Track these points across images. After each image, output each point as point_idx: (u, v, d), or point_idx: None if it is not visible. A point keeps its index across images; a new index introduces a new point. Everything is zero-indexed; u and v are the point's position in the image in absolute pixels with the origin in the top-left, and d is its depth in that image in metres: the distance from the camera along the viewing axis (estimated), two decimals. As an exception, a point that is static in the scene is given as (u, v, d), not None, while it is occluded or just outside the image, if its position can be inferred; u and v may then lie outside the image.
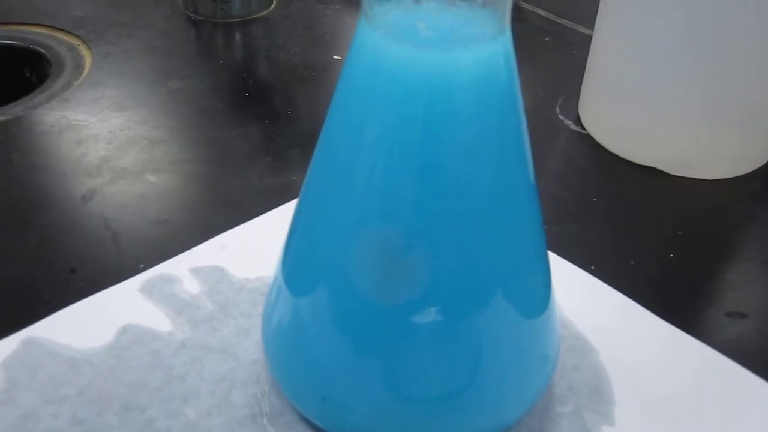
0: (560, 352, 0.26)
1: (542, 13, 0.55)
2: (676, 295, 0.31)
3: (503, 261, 0.22)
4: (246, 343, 0.28)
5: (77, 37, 0.50)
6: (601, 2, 0.39)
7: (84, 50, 0.48)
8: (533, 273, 0.23)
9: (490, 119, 0.20)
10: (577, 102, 0.43)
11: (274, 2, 0.53)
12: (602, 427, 0.26)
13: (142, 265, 0.31)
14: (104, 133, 0.40)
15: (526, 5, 0.56)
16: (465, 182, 0.21)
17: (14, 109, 0.42)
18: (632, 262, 0.33)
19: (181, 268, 0.31)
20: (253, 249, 0.32)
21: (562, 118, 0.43)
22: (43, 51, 0.48)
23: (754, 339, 0.30)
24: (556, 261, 0.32)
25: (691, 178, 0.38)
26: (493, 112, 0.20)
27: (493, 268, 0.22)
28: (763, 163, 0.40)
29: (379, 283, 0.22)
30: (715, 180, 0.38)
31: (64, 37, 0.50)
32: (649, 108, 0.38)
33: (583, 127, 0.42)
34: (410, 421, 0.23)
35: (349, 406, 0.23)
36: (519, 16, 0.54)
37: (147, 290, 0.30)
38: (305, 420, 0.25)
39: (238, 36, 0.51)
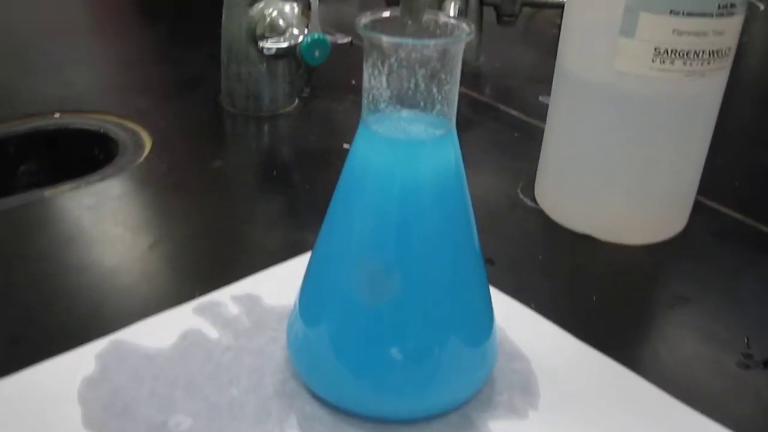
0: (499, 358, 0.37)
1: (515, 113, 0.67)
2: (595, 326, 0.42)
3: (453, 284, 0.33)
4: (274, 347, 0.38)
5: (138, 123, 0.62)
6: (549, 106, 0.51)
7: (144, 135, 0.60)
8: (474, 296, 0.34)
9: (444, 187, 0.32)
10: (534, 184, 0.54)
11: (297, 100, 0.66)
12: (528, 411, 0.36)
13: (197, 293, 0.42)
14: (163, 200, 0.52)
15: (501, 107, 0.68)
16: (427, 230, 0.32)
17: (91, 179, 0.54)
18: (563, 302, 0.44)
19: (226, 296, 0.42)
20: (279, 285, 0.43)
21: (522, 197, 0.54)
22: (112, 135, 0.60)
23: (652, 360, 0.40)
24: (505, 299, 0.43)
25: (618, 243, 0.49)
26: (447, 183, 0.32)
27: (446, 289, 0.33)
28: (677, 232, 0.51)
29: (367, 295, 0.32)
30: (637, 245, 0.49)
31: (128, 123, 0.62)
32: (585, 187, 0.49)
33: (537, 204, 0.53)
34: (388, 393, 0.33)
35: (342, 381, 0.34)
36: (494, 116, 0.67)
37: (200, 311, 0.41)
38: (315, 396, 0.35)
39: (266, 127, 0.63)
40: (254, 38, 0.60)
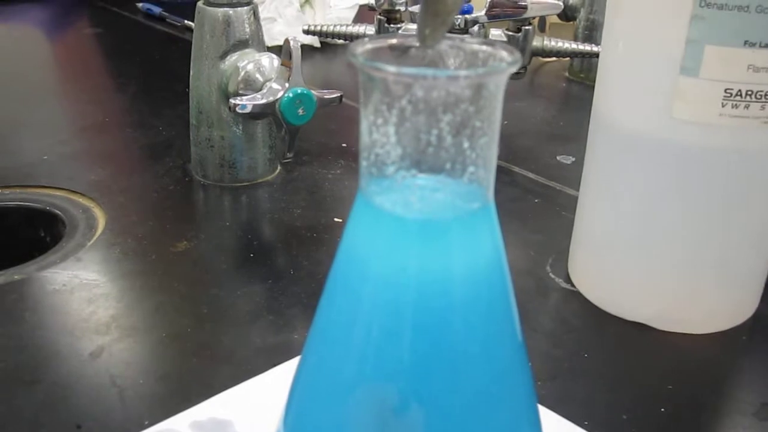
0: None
1: (532, 176, 0.58)
2: (669, 451, 0.32)
3: (496, 423, 0.23)
4: (246, 501, 0.28)
5: (91, 199, 0.52)
6: (585, 166, 0.42)
7: (98, 212, 0.51)
8: (522, 428, 0.24)
9: (479, 285, 0.22)
10: (567, 261, 0.45)
11: (279, 167, 0.57)
12: None
13: (146, 422, 0.32)
14: (114, 292, 0.42)
15: (516, 169, 0.59)
16: (456, 345, 0.22)
17: (28, 269, 0.44)
18: (625, 417, 0.34)
19: (184, 424, 0.32)
20: (256, 407, 0.33)
21: (552, 276, 0.44)
22: (59, 212, 0.51)
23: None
24: (550, 417, 0.33)
25: (679, 333, 0.40)
26: (480, 279, 0.22)
27: (485, 422, 0.23)
28: (748, 317, 0.41)
29: (374, 435, 0.23)
30: (702, 335, 0.40)
31: (79, 199, 0.53)
32: (633, 266, 0.40)
33: (573, 285, 0.43)
34: None
35: None
36: (509, 180, 0.58)
37: (150, 447, 0.31)
38: None
39: (244, 199, 0.54)
40: (227, 96, 0.51)
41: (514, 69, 0.20)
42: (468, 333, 0.22)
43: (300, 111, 0.48)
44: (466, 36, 0.22)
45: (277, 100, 0.47)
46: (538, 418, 0.25)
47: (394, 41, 0.22)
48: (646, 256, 0.39)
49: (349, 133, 0.61)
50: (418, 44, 0.21)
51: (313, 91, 0.49)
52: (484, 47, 0.22)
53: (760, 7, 0.32)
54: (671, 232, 0.38)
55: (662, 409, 0.34)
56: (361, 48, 0.21)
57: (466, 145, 0.20)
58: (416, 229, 0.21)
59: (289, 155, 0.52)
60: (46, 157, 0.59)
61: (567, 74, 0.86)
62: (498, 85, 0.20)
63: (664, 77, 0.35)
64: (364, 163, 0.21)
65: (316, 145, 0.60)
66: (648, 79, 0.36)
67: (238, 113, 0.48)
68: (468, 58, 0.22)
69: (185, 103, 0.55)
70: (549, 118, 0.73)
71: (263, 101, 0.47)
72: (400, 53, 0.22)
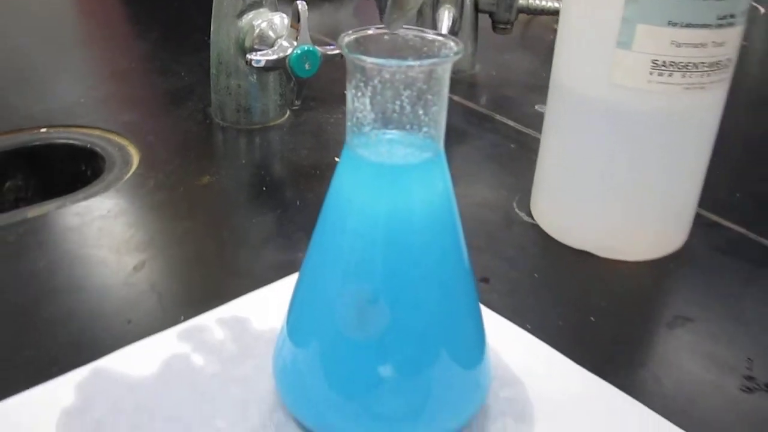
0: (493, 383, 0.35)
1: (511, 123, 0.66)
2: (593, 348, 0.40)
3: (442, 311, 0.32)
4: (261, 375, 0.37)
5: (125, 138, 0.60)
6: (545, 120, 0.50)
7: (132, 149, 0.59)
8: (464, 322, 0.33)
9: (432, 213, 0.30)
10: (530, 198, 0.53)
11: (288, 113, 0.65)
12: (523, 440, 0.34)
13: (182, 317, 0.40)
14: (150, 218, 0.50)
15: (497, 117, 0.67)
16: (414, 257, 0.30)
17: (77, 197, 0.52)
18: (560, 323, 0.42)
19: (212, 320, 0.40)
20: (267, 307, 0.41)
21: (518, 211, 0.53)
22: (98, 150, 0.59)
23: (653, 384, 0.39)
24: (500, 321, 0.41)
25: (617, 260, 0.48)
26: (433, 208, 0.30)
27: (435, 316, 0.32)
28: (677, 248, 0.49)
29: (354, 325, 0.31)
30: (636, 261, 0.48)
31: (115, 138, 0.61)
32: (581, 204, 0.48)
33: (533, 219, 0.51)
34: (377, 425, 0.32)
35: (331, 413, 0.32)
36: (492, 127, 0.65)
37: (185, 336, 0.39)
38: (303, 427, 0.34)
39: (257, 140, 0.62)
40: (243, 50, 0.59)
41: (457, 58, 0.28)
42: (423, 248, 0.30)
43: (306, 65, 0.55)
44: (426, 29, 0.30)
45: (286, 56, 0.55)
46: (479, 312, 0.34)
47: (371, 32, 0.29)
48: (592, 196, 0.47)
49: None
50: (387, 32, 0.29)
51: (318, 48, 0.56)
52: (439, 38, 0.29)
53: (681, -7, 0.40)
54: (612, 176, 0.46)
55: (591, 318, 0.43)
56: (347, 39, 0.28)
57: (421, 112, 0.28)
58: (386, 172, 0.29)
59: (297, 103, 0.59)
60: (82, 101, 0.67)
61: (556, 27, 0.92)
62: (445, 69, 0.28)
63: (605, 50, 0.42)
64: (348, 123, 0.29)
65: (321, 93, 0.68)
66: (592, 51, 0.43)
67: (253, 66, 0.56)
68: (427, 45, 0.30)
69: (204, 51, 0.62)
70: (533, 70, 0.80)
71: (274, 57, 0.55)
72: (378, 41, 0.29)
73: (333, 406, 0.32)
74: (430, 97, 0.28)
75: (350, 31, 0.29)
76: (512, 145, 0.62)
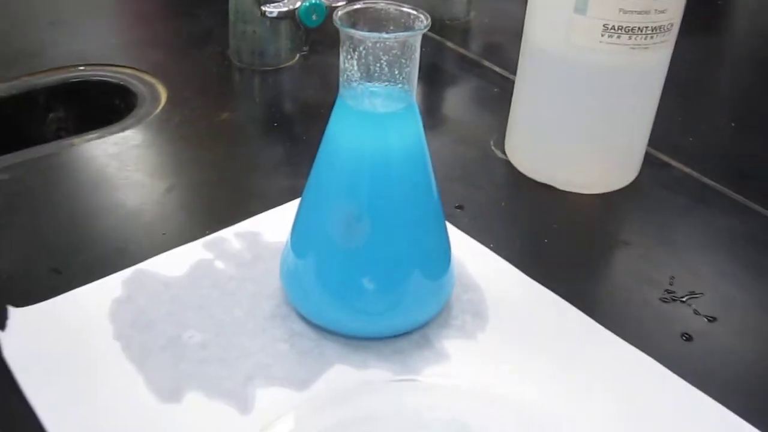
0: (456, 288, 0.44)
1: (498, 69, 0.73)
2: (543, 264, 0.49)
3: (414, 228, 0.40)
4: (270, 277, 0.46)
5: (154, 77, 0.69)
6: (517, 71, 0.58)
7: (160, 87, 0.67)
8: (431, 237, 0.42)
9: (407, 151, 0.39)
10: (504, 138, 0.61)
11: (297, 56, 0.72)
12: (477, 333, 0.43)
13: (207, 231, 0.49)
14: (177, 148, 0.59)
15: (485, 63, 0.74)
16: (392, 184, 0.39)
17: (114, 128, 0.61)
18: (518, 243, 0.51)
19: (230, 234, 0.49)
20: (276, 224, 0.50)
21: (494, 149, 0.61)
22: (131, 87, 0.67)
23: (590, 295, 0.47)
24: (468, 240, 0.50)
25: (576, 192, 0.56)
26: (407, 146, 0.39)
27: (408, 232, 0.40)
28: (628, 182, 0.58)
29: (343, 238, 0.40)
30: (591, 194, 0.56)
31: (145, 76, 0.69)
32: (547, 142, 0.56)
33: (506, 156, 0.60)
34: (360, 316, 0.41)
35: (324, 306, 0.41)
36: (479, 72, 0.73)
37: (209, 246, 0.48)
38: (302, 317, 0.43)
39: (270, 80, 0.70)
40: (258, 1, 0.66)
41: (425, 31, 0.36)
42: (398, 178, 0.39)
43: (314, 16, 0.63)
44: (403, 4, 0.38)
45: (296, 8, 0.63)
46: (445, 230, 0.43)
47: (359, 6, 0.37)
48: (554, 137, 0.55)
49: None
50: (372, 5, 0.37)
51: (324, 1, 0.64)
52: (413, 12, 0.37)
53: (627, -31, 0.47)
54: (572, 121, 0.54)
55: (545, 240, 0.52)
56: (340, 13, 0.36)
57: (396, 72, 0.37)
58: (369, 118, 0.38)
59: (305, 48, 0.67)
60: (113, 41, 0.75)
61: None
62: (415, 39, 0.36)
63: (565, 14, 0.50)
64: (341, 79, 0.38)
65: (327, 40, 0.75)
66: (555, 15, 0.51)
67: (267, 16, 0.63)
68: (404, 17, 0.37)
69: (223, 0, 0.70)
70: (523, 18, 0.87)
71: (285, 9, 0.63)
72: (366, 14, 0.37)
73: (326, 302, 0.41)
74: (404, 60, 0.36)
75: (343, 5, 0.37)
76: (496, 90, 0.70)
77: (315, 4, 0.63)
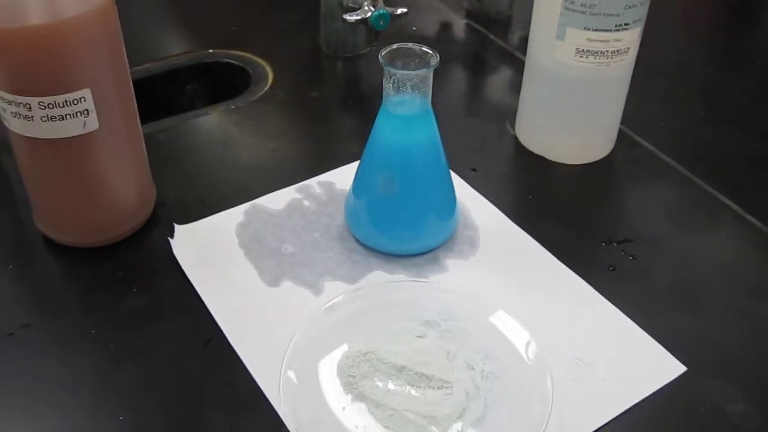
0: (459, 226, 0.67)
1: (518, 55, 0.94)
2: (525, 213, 0.71)
3: (429, 186, 0.64)
4: (338, 213, 0.70)
5: (264, 59, 0.92)
6: (524, 72, 0.79)
7: (268, 69, 0.91)
8: (441, 192, 0.65)
9: (427, 141, 0.62)
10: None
11: (369, 48, 0.95)
12: (470, 256, 0.66)
13: (298, 180, 0.73)
14: (281, 117, 0.83)
15: (518, 54, 0.95)
16: (417, 161, 0.62)
17: (235, 102, 0.85)
18: (510, 198, 0.73)
19: (314, 182, 0.73)
20: (345, 177, 0.73)
21: (508, 127, 0.82)
22: (248, 68, 0.91)
23: (553, 237, 0.69)
24: (475, 194, 0.73)
25: (563, 163, 0.78)
26: (427, 138, 0.62)
27: (425, 188, 0.63)
28: (605, 155, 0.78)
29: (381, 189, 0.63)
30: (575, 164, 0.78)
31: (257, 59, 0.93)
32: (541, 124, 0.77)
33: (515, 133, 0.81)
34: (394, 240, 0.65)
35: (370, 232, 0.65)
36: (511, 63, 0.94)
37: (299, 190, 0.73)
38: (356, 239, 0.67)
39: (349, 64, 0.93)
40: (342, 6, 0.89)
41: (436, 66, 0.58)
42: (418, 155, 0.62)
43: (381, 22, 0.85)
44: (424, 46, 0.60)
45: (368, 17, 0.85)
46: (452, 188, 0.66)
47: (398, 46, 0.60)
48: (548, 121, 0.77)
49: (410, 31, 0.98)
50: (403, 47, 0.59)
51: (388, 11, 0.86)
52: (430, 51, 0.59)
53: (592, 11, 0.67)
54: (560, 110, 0.75)
55: (530, 197, 0.74)
56: (383, 53, 0.59)
57: (417, 90, 0.59)
58: (400, 118, 0.61)
59: (375, 43, 0.90)
60: (234, 28, 0.99)
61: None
62: (429, 72, 0.58)
63: (550, 39, 0.71)
64: (384, 94, 0.60)
65: (391, 36, 0.97)
66: (545, 38, 0.72)
67: (347, 21, 0.86)
68: (425, 55, 0.60)
69: (317, -1, 0.93)
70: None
71: (360, 17, 0.85)
72: (403, 52, 0.60)
73: (372, 231, 0.65)
74: (421, 84, 0.59)
75: (385, 48, 0.59)
76: (521, 78, 0.91)
77: (382, 13, 0.85)
